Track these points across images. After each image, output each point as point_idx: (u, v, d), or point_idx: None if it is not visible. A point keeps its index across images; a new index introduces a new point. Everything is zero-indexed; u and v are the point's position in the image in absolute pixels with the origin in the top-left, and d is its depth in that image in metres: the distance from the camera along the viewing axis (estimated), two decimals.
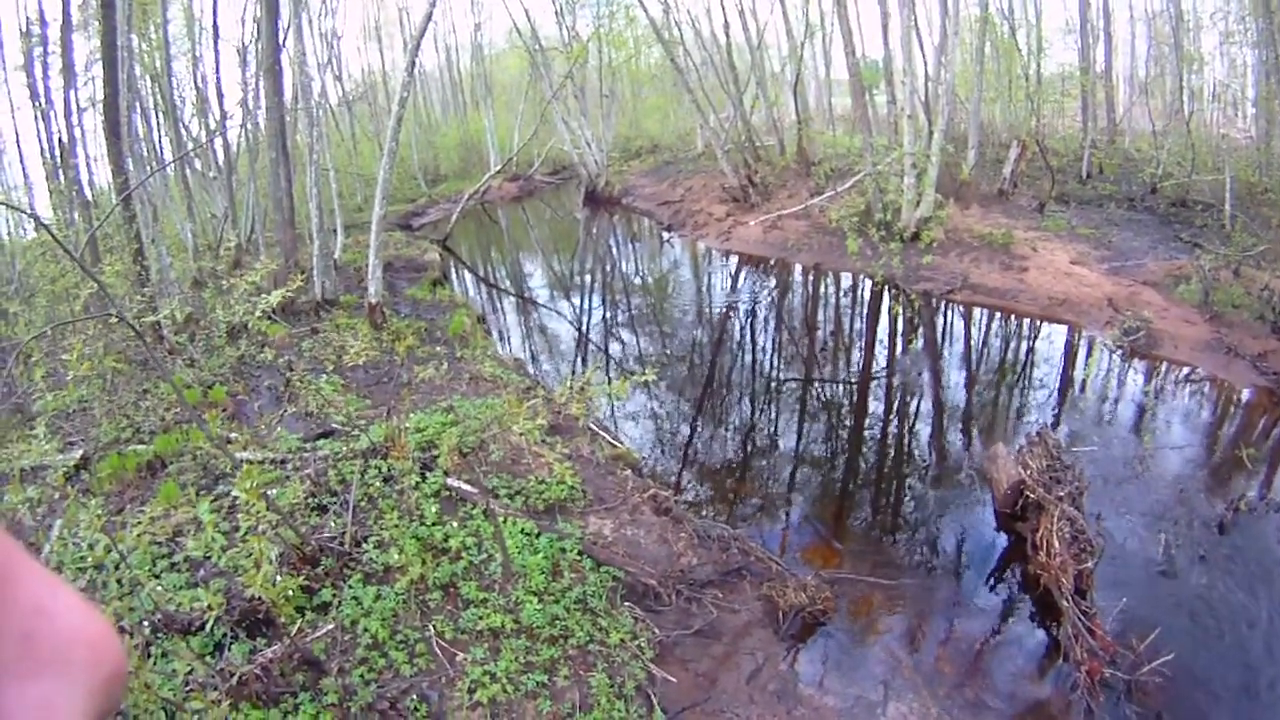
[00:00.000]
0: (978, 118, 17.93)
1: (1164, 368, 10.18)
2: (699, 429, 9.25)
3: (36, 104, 15.92)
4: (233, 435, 8.07)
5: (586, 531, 5.69)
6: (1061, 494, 5.88)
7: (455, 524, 5.55)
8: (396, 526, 5.44)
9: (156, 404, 9.35)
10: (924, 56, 18.77)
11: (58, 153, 15.00)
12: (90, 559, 4.82)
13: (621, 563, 5.33)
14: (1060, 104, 23.16)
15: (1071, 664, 4.91)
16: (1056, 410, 9.38)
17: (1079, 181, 18.56)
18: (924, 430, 9.16)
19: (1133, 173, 19.12)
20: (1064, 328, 11.88)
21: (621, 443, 8.12)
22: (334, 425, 7.80)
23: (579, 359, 12.02)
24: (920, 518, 7.14)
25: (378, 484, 6.10)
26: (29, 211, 6.70)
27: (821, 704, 4.81)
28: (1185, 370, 10.02)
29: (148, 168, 11.26)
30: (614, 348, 12.43)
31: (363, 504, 5.85)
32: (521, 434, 5.64)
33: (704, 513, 6.99)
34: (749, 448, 8.76)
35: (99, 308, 11.53)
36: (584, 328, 13.57)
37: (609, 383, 5.68)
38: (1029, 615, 5.71)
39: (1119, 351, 10.47)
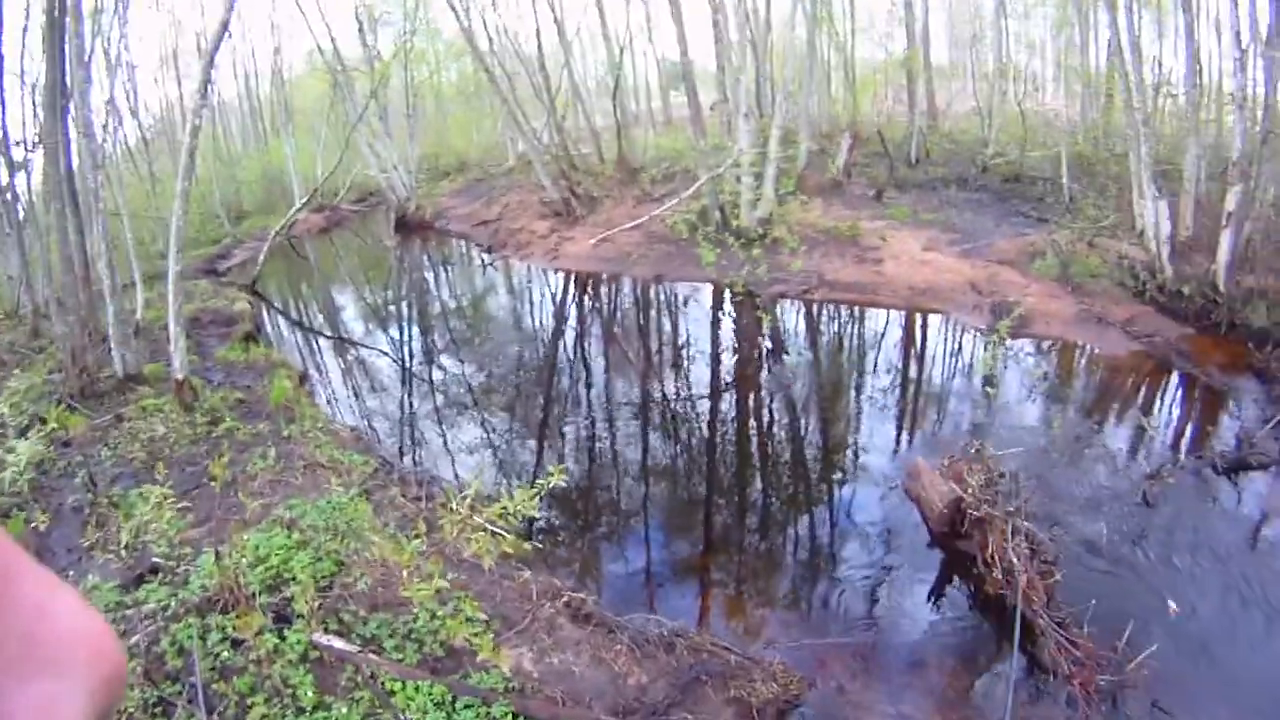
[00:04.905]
0: (808, 111, 17.96)
1: (1043, 346, 10.27)
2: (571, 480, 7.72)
3: None
4: None
5: (506, 675, 4.42)
6: (1010, 508, 5.52)
7: (343, 706, 4.16)
8: (266, 719, 4.14)
9: None
10: (754, 53, 18.62)
11: None
12: None
13: (569, 715, 4.23)
14: (880, 90, 23.84)
15: (1062, 679, 4.67)
16: (951, 408, 9.15)
17: (909, 166, 19.00)
18: (817, 448, 8.40)
19: (957, 154, 19.81)
20: (932, 317, 11.77)
21: (508, 533, 6.76)
22: (155, 559, 6.18)
23: (410, 407, 10.44)
24: (846, 552, 6.51)
25: (226, 652, 4.62)
26: None
27: None
28: (1062, 345, 10.19)
29: None
30: (452, 390, 10.92)
31: (215, 685, 4.46)
32: (395, 558, 4.49)
33: (594, 589, 5.92)
34: (628, 497, 7.65)
35: None
36: (407, 366, 12.15)
37: (508, 496, 4.55)
38: (994, 637, 5.28)
39: (993, 335, 10.15)
